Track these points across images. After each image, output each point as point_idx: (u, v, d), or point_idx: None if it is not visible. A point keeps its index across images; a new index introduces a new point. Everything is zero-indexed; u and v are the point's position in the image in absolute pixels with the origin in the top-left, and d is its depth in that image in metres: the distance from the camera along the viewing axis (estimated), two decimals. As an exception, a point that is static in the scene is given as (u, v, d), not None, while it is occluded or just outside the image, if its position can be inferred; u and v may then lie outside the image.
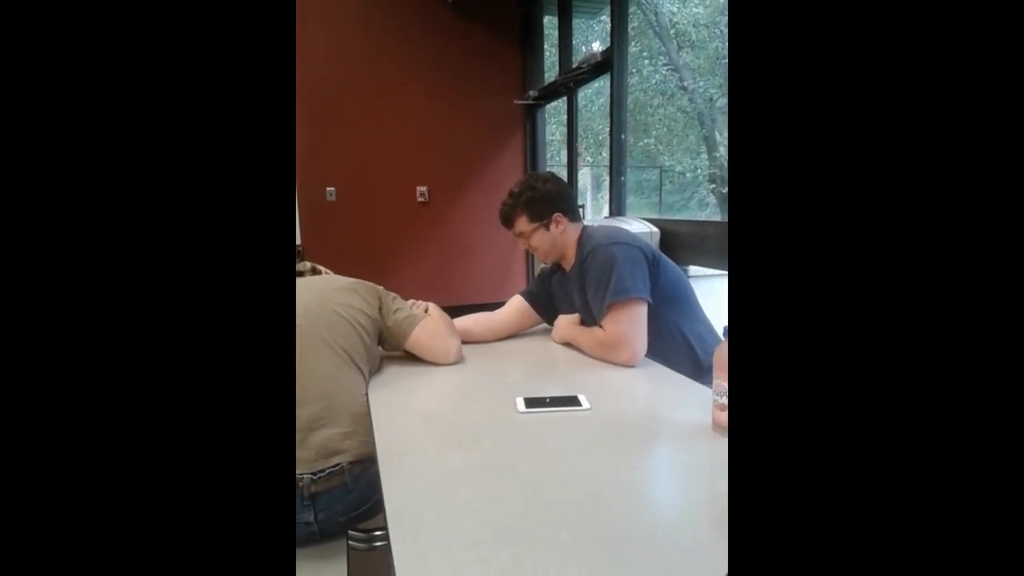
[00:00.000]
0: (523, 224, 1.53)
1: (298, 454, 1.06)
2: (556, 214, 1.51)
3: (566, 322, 1.54)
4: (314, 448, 1.07)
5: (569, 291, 1.55)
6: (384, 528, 0.76)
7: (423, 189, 4.69)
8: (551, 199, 1.51)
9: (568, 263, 1.56)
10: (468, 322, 1.61)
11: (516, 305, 1.67)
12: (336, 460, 1.07)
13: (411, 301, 1.49)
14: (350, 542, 1.19)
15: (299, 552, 1.11)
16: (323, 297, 1.27)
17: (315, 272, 1.44)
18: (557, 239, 1.52)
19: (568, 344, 1.52)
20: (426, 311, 1.46)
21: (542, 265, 1.69)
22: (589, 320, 1.46)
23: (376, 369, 1.34)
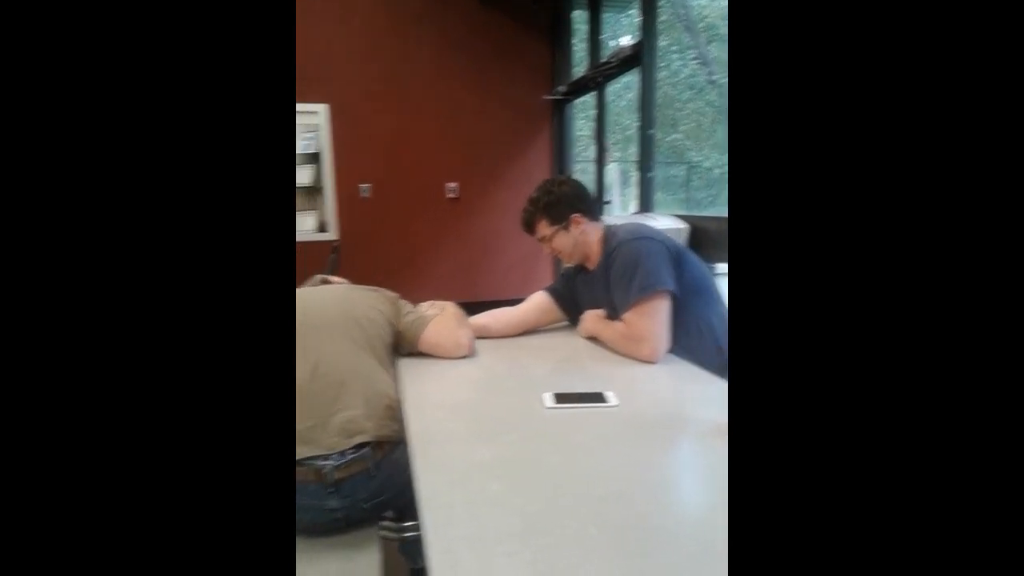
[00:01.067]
0: (544, 228, 1.54)
1: (321, 438, 1.10)
2: (575, 215, 1.52)
3: (592, 316, 1.55)
4: (335, 429, 1.11)
5: (595, 290, 1.55)
6: (415, 519, 0.78)
7: (453, 185, 4.72)
8: (568, 201, 1.53)
9: (592, 263, 1.57)
10: (486, 318, 1.63)
11: (538, 301, 1.68)
12: (358, 439, 1.11)
13: (429, 302, 1.53)
14: (382, 532, 1.22)
15: (330, 541, 1.15)
16: (345, 297, 1.35)
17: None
18: (578, 239, 1.54)
19: (593, 339, 1.53)
20: (442, 310, 1.50)
21: (566, 265, 1.70)
22: (615, 317, 1.46)
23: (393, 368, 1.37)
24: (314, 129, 4.41)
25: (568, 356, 1.50)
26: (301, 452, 1.08)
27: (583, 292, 1.62)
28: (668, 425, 1.03)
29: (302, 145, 4.44)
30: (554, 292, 1.69)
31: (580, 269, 1.64)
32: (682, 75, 13.23)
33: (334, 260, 3.90)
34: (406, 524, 1.24)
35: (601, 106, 4.23)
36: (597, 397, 1.12)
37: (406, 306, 1.45)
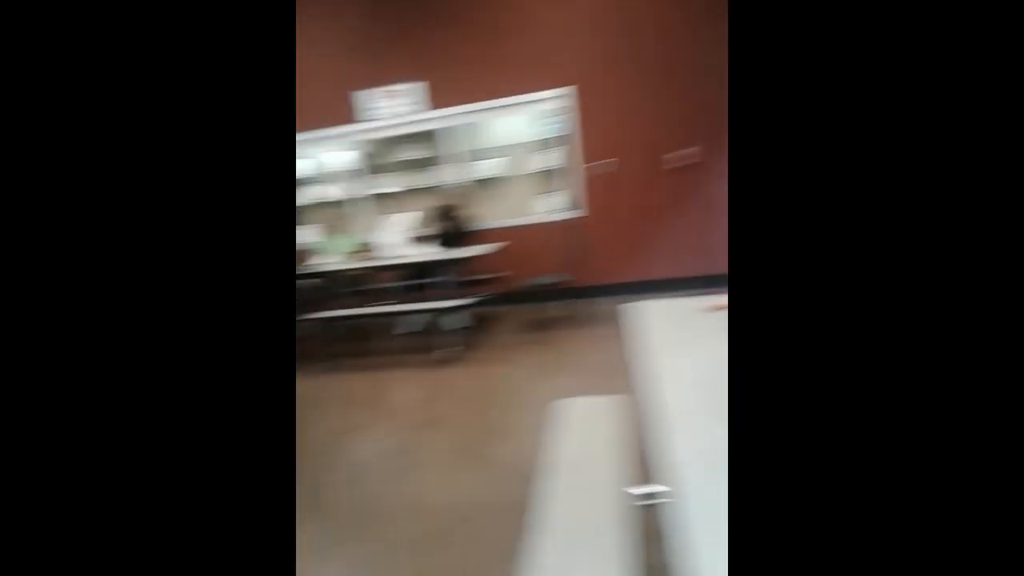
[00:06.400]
0: None
1: None
2: None
3: None
4: None
5: None
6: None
7: (693, 151, 4.49)
8: None
9: None
10: None
11: None
12: None
13: None
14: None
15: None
16: None
17: None
18: None
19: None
20: None
21: None
22: None
23: None
24: (560, 112, 4.68)
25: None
26: None
27: None
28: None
29: (551, 129, 4.75)
30: None
31: None
32: None
33: (578, 237, 4.06)
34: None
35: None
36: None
37: None
